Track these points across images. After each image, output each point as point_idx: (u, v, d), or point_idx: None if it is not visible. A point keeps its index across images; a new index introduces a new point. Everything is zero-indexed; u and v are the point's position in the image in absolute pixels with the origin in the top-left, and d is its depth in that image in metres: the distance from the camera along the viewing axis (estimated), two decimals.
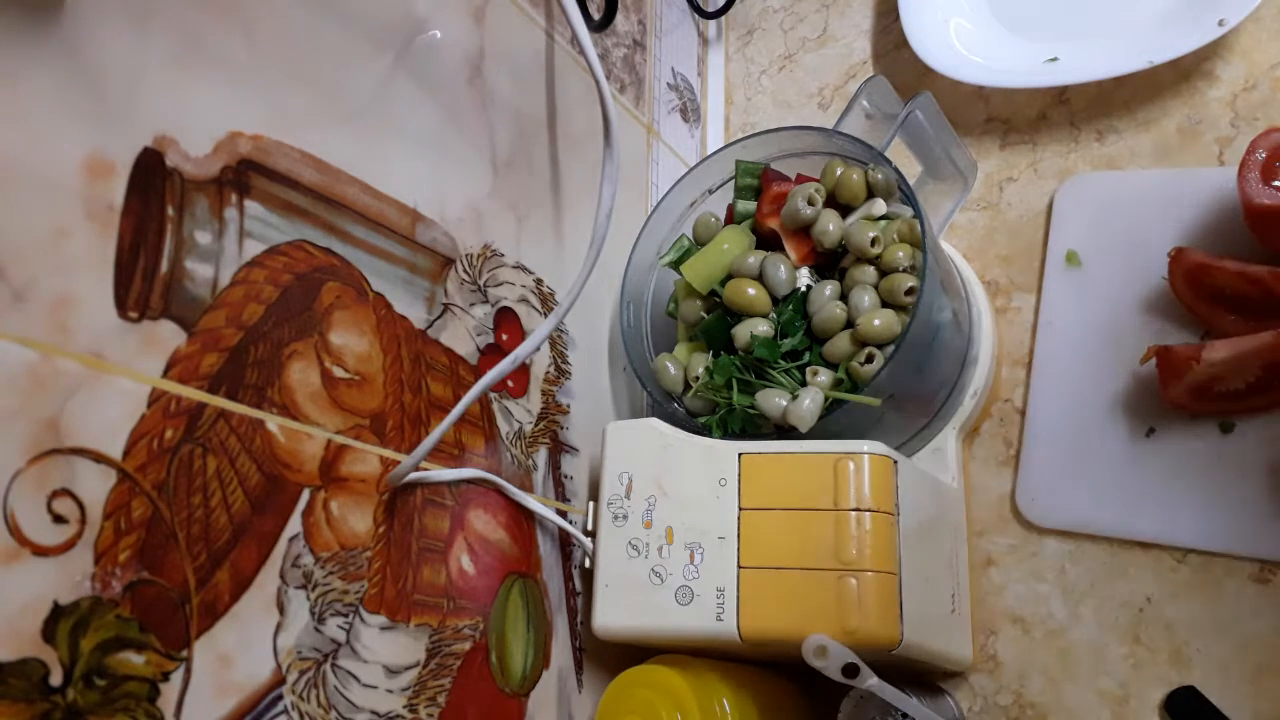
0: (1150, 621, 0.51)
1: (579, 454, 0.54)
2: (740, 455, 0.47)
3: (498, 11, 0.50)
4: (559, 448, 0.52)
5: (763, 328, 0.49)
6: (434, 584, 0.42)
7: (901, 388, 0.49)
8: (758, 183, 0.53)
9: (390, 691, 0.39)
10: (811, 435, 0.47)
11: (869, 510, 0.44)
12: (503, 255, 0.49)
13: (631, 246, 0.55)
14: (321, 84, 0.40)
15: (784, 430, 0.47)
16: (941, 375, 0.53)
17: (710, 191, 0.57)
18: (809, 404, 0.46)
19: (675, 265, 0.54)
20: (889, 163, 0.50)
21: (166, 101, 0.33)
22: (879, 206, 0.50)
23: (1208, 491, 0.50)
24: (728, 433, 0.49)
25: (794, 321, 0.49)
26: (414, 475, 0.41)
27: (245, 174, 0.36)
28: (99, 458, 0.30)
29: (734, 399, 0.48)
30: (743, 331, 0.49)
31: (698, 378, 0.50)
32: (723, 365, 0.49)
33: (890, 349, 0.47)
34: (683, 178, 0.56)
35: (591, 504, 0.50)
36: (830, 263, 0.51)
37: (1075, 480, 0.54)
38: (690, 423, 0.50)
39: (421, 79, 0.45)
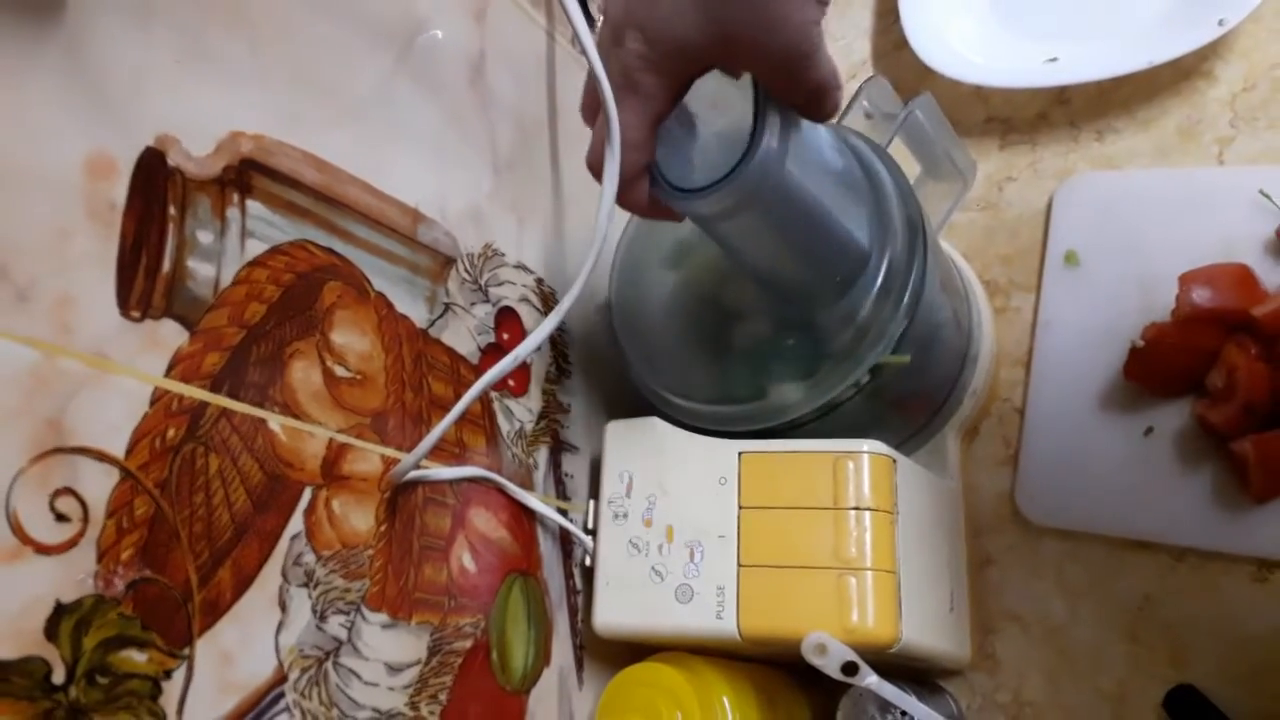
0: (1149, 620, 0.51)
1: (580, 452, 0.54)
2: (740, 454, 0.47)
3: (499, 11, 0.50)
4: (560, 446, 0.52)
5: (764, 325, 0.49)
6: (435, 582, 0.42)
7: (902, 386, 0.49)
8: None
9: (392, 689, 0.40)
10: (812, 434, 0.47)
11: (868, 509, 0.44)
12: (504, 255, 0.50)
13: (619, 240, 0.54)
14: (323, 84, 0.40)
15: (792, 424, 0.47)
16: (942, 374, 0.54)
17: None
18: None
19: (676, 265, 0.54)
20: (894, 164, 0.50)
21: (168, 101, 0.33)
22: None
23: (1206, 491, 0.51)
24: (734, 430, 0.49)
25: None
26: (415, 474, 0.41)
27: (247, 173, 0.36)
28: (101, 456, 0.30)
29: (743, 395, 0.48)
30: (744, 331, 0.49)
31: (700, 378, 0.50)
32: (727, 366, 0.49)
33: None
34: None
35: (592, 502, 0.50)
36: None
37: (1074, 479, 0.54)
38: (690, 421, 0.50)
39: (423, 79, 0.45)
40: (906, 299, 0.45)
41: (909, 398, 0.52)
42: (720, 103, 0.40)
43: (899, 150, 0.52)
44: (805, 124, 0.39)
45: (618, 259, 0.52)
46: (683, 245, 0.52)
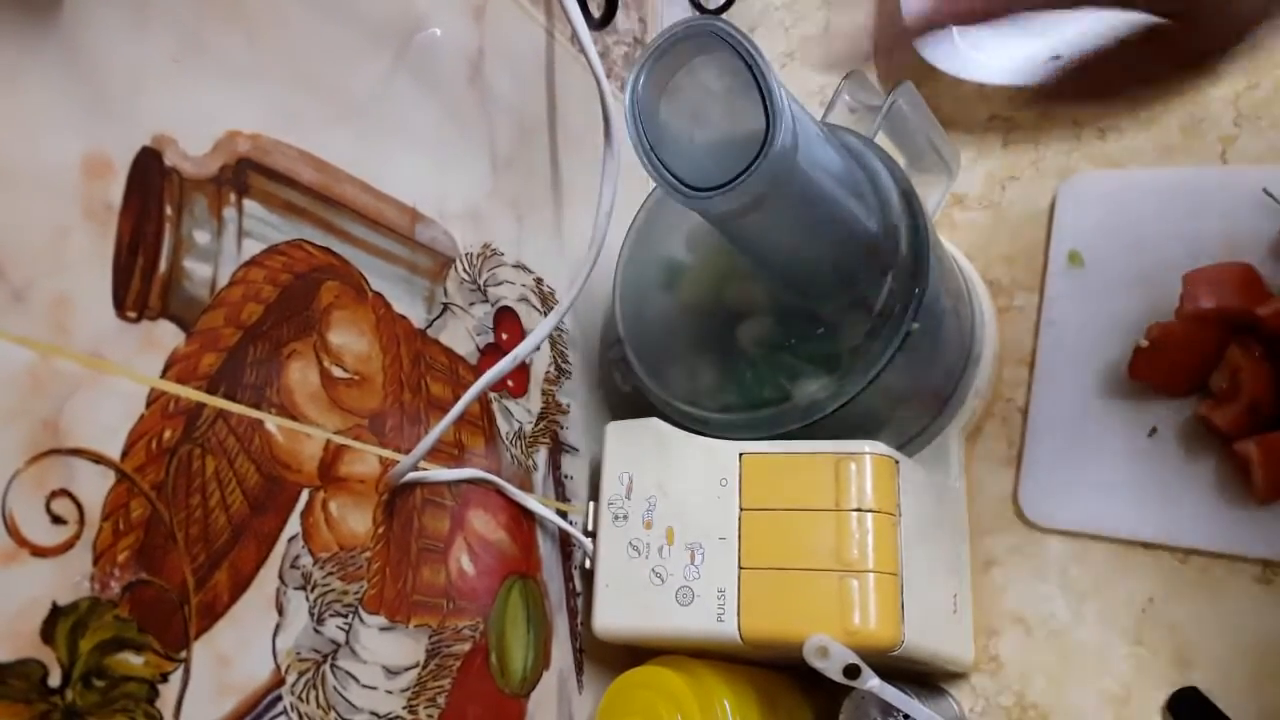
0: (1152, 622, 0.51)
1: (579, 454, 0.54)
2: (741, 455, 0.47)
3: (498, 9, 0.50)
4: (559, 447, 0.52)
5: (766, 324, 0.49)
6: (434, 584, 0.42)
7: (906, 385, 0.49)
8: None
9: (390, 692, 0.39)
10: (814, 435, 0.47)
11: (870, 511, 0.44)
12: (502, 254, 0.49)
13: (615, 269, 0.53)
14: (321, 83, 0.39)
15: (810, 418, 0.47)
16: (944, 373, 0.53)
17: None
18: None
19: (670, 286, 0.54)
20: (883, 151, 0.50)
21: (165, 100, 0.33)
22: None
23: (1210, 491, 0.50)
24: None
25: None
26: (413, 475, 0.41)
27: (244, 173, 0.36)
28: (97, 458, 0.30)
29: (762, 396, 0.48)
30: (754, 337, 0.49)
31: (721, 389, 0.50)
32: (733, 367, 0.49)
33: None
34: None
35: (592, 504, 0.50)
36: None
37: (1077, 480, 0.54)
38: (691, 423, 0.50)
39: (421, 77, 0.45)
40: (920, 270, 0.45)
41: (912, 397, 0.52)
42: (700, 114, 0.40)
43: (883, 146, 0.52)
44: (801, 121, 0.40)
45: (617, 290, 0.52)
46: (673, 266, 0.52)
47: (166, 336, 0.33)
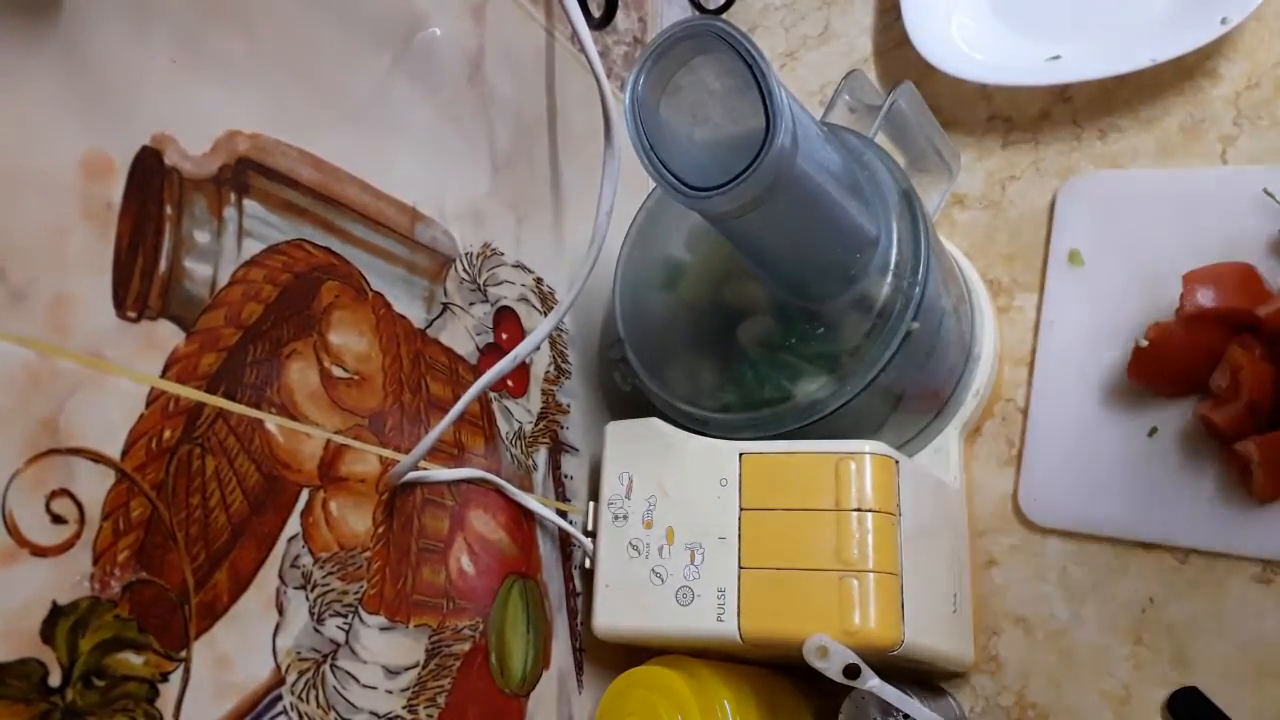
0: (1152, 622, 0.51)
1: (579, 454, 0.54)
2: (741, 455, 0.47)
3: (497, 9, 0.50)
4: (559, 447, 0.52)
5: (766, 324, 0.49)
6: (433, 584, 0.42)
7: (906, 384, 0.49)
8: None
9: (390, 692, 0.39)
10: (814, 435, 0.47)
11: (870, 510, 0.44)
12: (502, 254, 0.49)
13: (615, 269, 0.53)
14: (321, 82, 0.39)
15: (809, 416, 0.47)
16: (945, 373, 0.53)
17: None
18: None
19: (670, 287, 0.54)
20: (883, 151, 0.50)
21: (165, 100, 0.33)
22: None
23: (1210, 491, 0.50)
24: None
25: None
26: (413, 475, 0.41)
27: (244, 173, 0.36)
28: (97, 458, 0.30)
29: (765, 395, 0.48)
30: (754, 338, 0.49)
31: (722, 390, 0.50)
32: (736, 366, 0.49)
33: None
34: None
35: (592, 504, 0.50)
36: None
37: (1077, 480, 0.54)
38: (691, 423, 0.50)
39: (421, 77, 0.45)
40: (920, 269, 0.45)
41: (912, 397, 0.52)
42: (700, 114, 0.40)
43: (883, 145, 0.52)
44: (801, 121, 0.40)
45: (617, 290, 0.52)
46: (672, 266, 0.51)
47: (166, 336, 0.33)
